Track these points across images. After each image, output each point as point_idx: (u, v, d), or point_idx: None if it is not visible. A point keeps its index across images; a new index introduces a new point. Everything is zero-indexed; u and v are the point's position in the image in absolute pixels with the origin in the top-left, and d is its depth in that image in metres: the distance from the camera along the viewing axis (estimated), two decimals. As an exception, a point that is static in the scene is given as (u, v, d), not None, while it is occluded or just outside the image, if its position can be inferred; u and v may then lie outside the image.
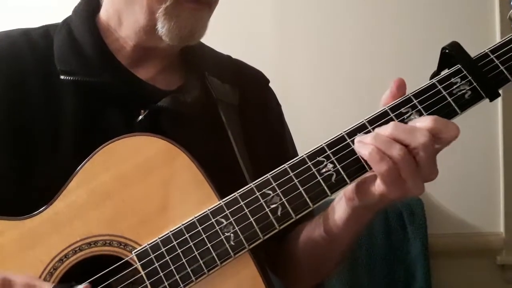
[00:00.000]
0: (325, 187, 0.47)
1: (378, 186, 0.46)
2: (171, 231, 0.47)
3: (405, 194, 0.46)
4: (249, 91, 0.66)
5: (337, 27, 1.32)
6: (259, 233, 0.47)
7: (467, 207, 1.34)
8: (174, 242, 0.47)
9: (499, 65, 0.49)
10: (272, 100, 0.71)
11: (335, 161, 0.47)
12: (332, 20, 1.32)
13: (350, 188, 0.49)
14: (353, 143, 0.48)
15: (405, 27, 1.31)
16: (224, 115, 0.61)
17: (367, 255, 1.20)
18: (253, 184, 0.48)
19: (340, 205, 0.52)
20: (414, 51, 1.29)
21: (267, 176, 0.48)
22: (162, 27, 0.55)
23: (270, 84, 0.71)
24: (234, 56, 0.71)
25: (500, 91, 0.49)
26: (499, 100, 1.29)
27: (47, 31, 0.60)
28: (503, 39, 0.51)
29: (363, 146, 0.46)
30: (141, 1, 0.55)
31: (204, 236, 0.47)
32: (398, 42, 1.31)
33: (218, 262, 0.46)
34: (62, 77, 0.55)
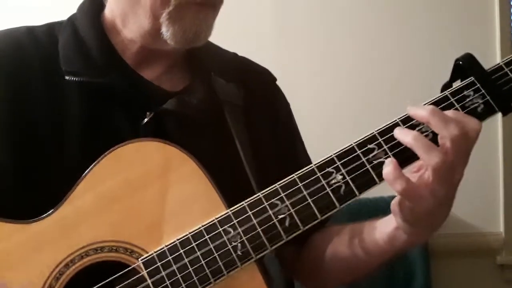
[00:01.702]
0: (334, 199, 0.47)
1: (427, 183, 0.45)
2: (178, 239, 0.47)
3: (451, 185, 0.45)
4: (255, 90, 0.65)
5: (337, 27, 1.31)
6: (267, 243, 0.46)
7: (467, 207, 1.35)
8: (181, 251, 0.47)
9: (514, 78, 0.48)
10: (280, 98, 0.70)
11: (344, 173, 0.47)
12: (332, 20, 1.31)
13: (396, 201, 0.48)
14: (363, 155, 0.48)
15: (405, 27, 1.30)
16: (230, 117, 0.60)
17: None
18: (261, 194, 0.48)
19: (385, 226, 0.52)
20: (414, 50, 1.28)
21: (275, 186, 0.48)
22: (166, 31, 0.54)
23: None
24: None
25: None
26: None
27: (51, 29, 0.59)
28: (518, 52, 0.50)
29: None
30: (144, 6, 0.54)
31: (211, 245, 0.47)
32: (398, 42, 1.30)
33: (225, 272, 0.46)
34: (67, 77, 0.55)
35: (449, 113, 0.46)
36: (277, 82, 0.70)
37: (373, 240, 0.54)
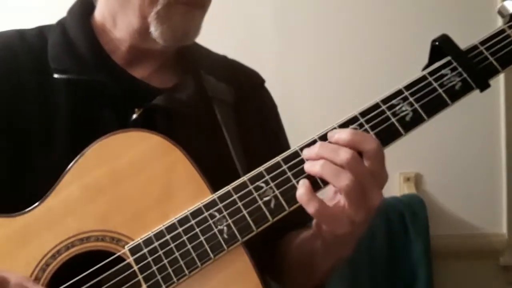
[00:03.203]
0: (318, 179, 0.47)
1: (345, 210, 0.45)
2: (164, 225, 0.47)
3: (368, 209, 0.45)
4: (244, 90, 0.66)
5: (338, 26, 1.32)
6: (252, 225, 0.46)
7: (469, 208, 1.33)
8: (167, 236, 0.47)
9: (489, 56, 0.49)
10: (268, 99, 0.71)
11: None
12: (332, 19, 1.33)
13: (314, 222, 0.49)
14: None
15: (406, 27, 1.31)
16: (219, 113, 0.61)
17: (369, 256, 1.19)
18: (246, 177, 0.48)
19: (312, 241, 0.53)
20: (414, 50, 1.29)
21: (260, 169, 0.48)
22: (155, 31, 0.56)
23: (270, 84, 0.71)
24: (234, 56, 0.71)
25: (490, 82, 0.49)
26: (501, 101, 1.29)
27: (41, 31, 0.61)
28: (492, 31, 0.51)
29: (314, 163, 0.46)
30: (133, 5, 0.56)
31: (197, 229, 0.47)
32: (398, 41, 1.31)
33: (211, 255, 0.46)
34: (55, 75, 0.56)
35: (344, 135, 0.46)
36: (276, 81, 0.71)
37: (308, 251, 0.54)
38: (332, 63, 1.32)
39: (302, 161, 0.48)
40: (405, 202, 1.26)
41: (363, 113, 0.49)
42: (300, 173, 0.47)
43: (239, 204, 0.47)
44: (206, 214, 0.47)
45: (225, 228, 0.46)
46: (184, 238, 0.46)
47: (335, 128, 0.48)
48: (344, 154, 0.45)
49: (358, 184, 0.44)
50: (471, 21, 1.25)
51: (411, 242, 1.24)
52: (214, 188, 0.49)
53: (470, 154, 1.30)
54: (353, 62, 1.31)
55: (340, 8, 1.32)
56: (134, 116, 0.56)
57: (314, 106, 1.30)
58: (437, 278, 1.24)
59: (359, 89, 1.30)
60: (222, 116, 0.61)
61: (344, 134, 0.46)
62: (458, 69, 0.49)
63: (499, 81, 1.27)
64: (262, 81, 0.71)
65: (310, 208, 0.45)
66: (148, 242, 0.47)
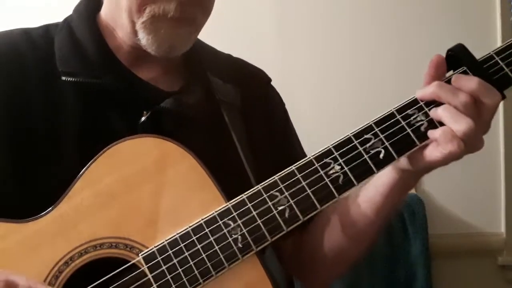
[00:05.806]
0: (333, 189, 0.47)
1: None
2: (178, 233, 0.47)
3: (470, 153, 0.48)
4: (251, 90, 0.65)
5: (338, 27, 1.32)
6: (267, 235, 0.47)
7: (468, 207, 1.34)
8: (182, 245, 0.47)
9: (504, 67, 0.49)
10: (275, 98, 0.70)
11: (342, 163, 0.48)
12: (333, 20, 1.32)
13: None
14: (360, 145, 0.48)
15: (406, 27, 1.31)
16: (227, 116, 0.61)
17: (368, 255, 1.20)
18: (261, 186, 0.48)
19: (384, 173, 0.52)
20: (414, 50, 1.30)
21: (274, 178, 0.48)
22: (142, 38, 0.55)
23: (272, 84, 0.71)
24: (235, 56, 0.70)
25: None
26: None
27: (47, 31, 0.60)
28: (508, 41, 0.51)
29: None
30: (123, 9, 0.55)
31: (211, 238, 0.47)
32: (398, 41, 1.31)
33: (226, 264, 0.46)
34: (63, 78, 0.55)
35: (472, 82, 0.47)
36: (277, 82, 0.71)
37: (369, 197, 0.54)
38: (333, 63, 1.32)
39: (316, 170, 0.48)
40: (403, 201, 1.26)
41: (378, 123, 0.49)
42: (314, 183, 0.47)
43: (254, 213, 0.47)
44: (220, 222, 0.47)
45: (239, 237, 0.46)
46: (199, 246, 0.46)
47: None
48: (464, 98, 0.46)
49: (474, 131, 0.46)
50: (471, 22, 1.26)
51: (410, 241, 1.25)
52: (225, 193, 0.49)
53: (468, 154, 1.31)
54: (356, 63, 1.31)
55: (344, 9, 1.31)
56: (143, 119, 0.55)
57: (316, 106, 1.30)
58: (436, 277, 1.26)
59: (362, 91, 1.30)
60: (230, 119, 0.61)
61: (472, 81, 0.47)
62: None
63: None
64: (268, 79, 0.70)
65: (451, 147, 0.46)
66: (162, 250, 0.47)
